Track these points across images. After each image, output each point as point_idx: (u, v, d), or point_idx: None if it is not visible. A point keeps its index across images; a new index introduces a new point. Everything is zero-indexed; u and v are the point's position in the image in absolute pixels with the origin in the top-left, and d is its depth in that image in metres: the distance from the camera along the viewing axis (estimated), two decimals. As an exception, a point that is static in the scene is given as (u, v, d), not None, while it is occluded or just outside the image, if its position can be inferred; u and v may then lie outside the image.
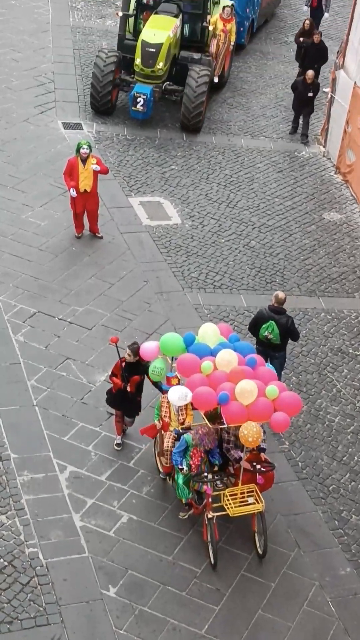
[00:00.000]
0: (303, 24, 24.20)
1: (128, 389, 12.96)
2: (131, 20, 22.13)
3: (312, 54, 23.29)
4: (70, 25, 26.05)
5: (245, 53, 26.27)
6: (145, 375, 13.02)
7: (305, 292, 17.28)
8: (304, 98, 21.79)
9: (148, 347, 12.88)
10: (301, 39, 23.91)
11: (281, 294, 14.14)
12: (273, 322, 13.98)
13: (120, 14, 21.98)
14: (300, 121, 22.29)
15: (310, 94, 21.72)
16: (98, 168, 16.95)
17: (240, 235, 18.60)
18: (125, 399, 13.15)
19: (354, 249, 18.75)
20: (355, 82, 20.42)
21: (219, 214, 19.15)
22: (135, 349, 12.90)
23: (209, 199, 19.57)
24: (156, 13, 21.67)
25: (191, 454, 11.96)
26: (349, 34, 21.65)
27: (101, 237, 17.66)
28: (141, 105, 20.84)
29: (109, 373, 13.32)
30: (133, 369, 12.94)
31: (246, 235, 18.61)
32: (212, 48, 22.29)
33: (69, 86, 22.81)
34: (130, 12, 22.10)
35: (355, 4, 21.48)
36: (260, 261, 17.92)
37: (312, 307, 16.90)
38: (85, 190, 17.00)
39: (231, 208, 19.41)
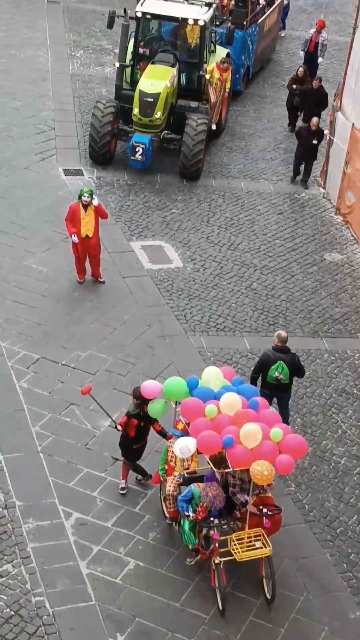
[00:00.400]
0: (297, 72, 24.34)
1: (118, 428, 13.00)
2: (128, 70, 22.26)
3: (312, 99, 23.46)
4: (70, 73, 26.35)
5: (243, 97, 26.52)
6: (150, 425, 13.00)
7: (308, 333, 17.28)
8: (309, 145, 21.69)
9: (150, 386, 12.87)
10: (294, 86, 24.02)
11: (283, 333, 14.18)
12: (281, 361, 14.00)
13: (117, 64, 22.04)
14: (301, 167, 22.22)
15: (314, 141, 21.61)
16: (97, 203, 17.14)
17: (242, 277, 18.65)
18: (126, 441, 13.18)
19: (356, 289, 18.78)
20: (353, 124, 20.60)
21: (220, 256, 19.22)
22: (136, 393, 12.91)
23: (210, 242, 19.66)
24: (153, 63, 21.77)
25: (198, 509, 11.90)
26: (345, 76, 21.89)
27: (103, 282, 17.72)
28: (140, 155, 20.93)
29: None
30: (139, 415, 12.94)
31: (248, 277, 18.66)
32: (212, 98, 22.31)
33: (70, 133, 23.01)
34: (127, 62, 22.20)
35: (351, 47, 21.75)
36: (263, 303, 17.95)
37: (316, 348, 16.89)
38: (87, 235, 17.09)
39: (232, 250, 19.48)
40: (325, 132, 22.33)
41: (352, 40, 21.74)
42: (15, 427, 14.30)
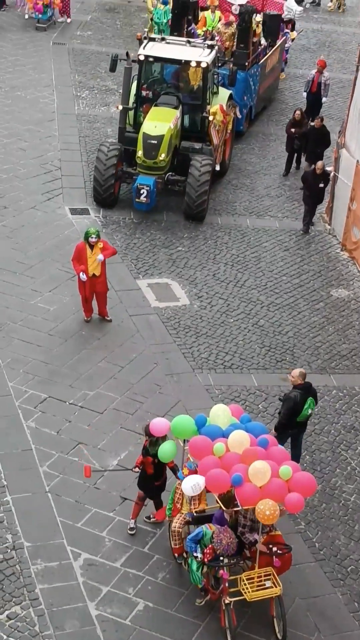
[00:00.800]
0: (294, 115, 24.22)
1: (135, 470, 13.07)
2: (131, 113, 22.30)
3: (314, 138, 23.51)
4: (76, 114, 26.56)
5: (248, 135, 26.69)
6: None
7: (316, 370, 17.24)
8: (315, 190, 21.58)
9: (158, 423, 12.84)
10: (292, 130, 23.96)
11: (302, 370, 14.26)
12: (311, 397, 14.12)
13: (120, 107, 22.04)
14: (308, 210, 22.00)
15: (321, 185, 21.53)
16: (102, 258, 17.11)
17: (249, 314, 18.66)
18: (146, 480, 13.17)
19: (363, 325, 18.80)
20: (357, 161, 20.68)
21: (227, 293, 19.24)
22: (149, 431, 12.90)
23: (216, 279, 19.69)
24: (156, 105, 21.81)
25: (206, 551, 11.81)
26: (349, 114, 22.02)
27: (110, 320, 17.73)
28: (145, 197, 20.94)
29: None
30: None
31: (255, 314, 18.67)
32: (215, 140, 22.31)
33: (76, 172, 23.15)
34: (130, 105, 22.21)
35: (354, 84, 21.91)
36: (270, 340, 17.94)
37: (324, 384, 16.84)
38: (94, 274, 17.14)
39: (239, 287, 19.50)
40: (330, 168, 22.43)
41: (356, 77, 21.90)
42: (23, 467, 14.25)
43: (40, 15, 32.23)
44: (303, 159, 24.35)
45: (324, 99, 26.94)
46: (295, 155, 24.57)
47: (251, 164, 25.07)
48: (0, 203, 21.45)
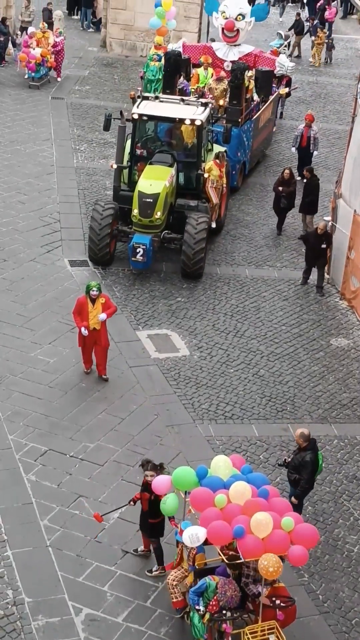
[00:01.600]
0: (282, 174, 23.90)
1: (131, 503, 13.24)
2: (125, 171, 22.29)
3: (307, 191, 23.63)
4: (75, 167, 26.80)
5: (245, 186, 26.89)
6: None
7: (317, 420, 17.19)
8: (318, 250, 21.23)
9: (161, 481, 12.77)
10: (280, 189, 23.72)
11: (306, 431, 14.09)
12: (319, 452, 14.23)
13: (115, 166, 22.04)
14: (309, 268, 21.78)
15: (323, 246, 21.14)
16: (104, 318, 17.11)
17: (249, 364, 18.65)
18: (141, 516, 13.29)
19: (363, 373, 18.78)
20: (355, 211, 20.82)
21: (226, 344, 19.25)
22: (148, 464, 13.04)
23: (216, 330, 19.72)
24: (151, 163, 21.75)
25: (211, 603, 11.69)
26: (345, 164, 22.22)
27: (107, 380, 17.64)
28: (141, 256, 20.70)
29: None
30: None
31: (255, 364, 18.66)
32: (214, 199, 22.28)
33: (75, 225, 23.30)
34: (125, 164, 22.21)
35: (350, 135, 22.16)
36: (270, 390, 17.91)
37: (325, 434, 16.78)
38: (94, 328, 17.13)
39: (239, 337, 19.52)
40: (328, 218, 22.58)
41: (352, 128, 22.17)
42: (24, 521, 14.14)
43: (33, 74, 32.41)
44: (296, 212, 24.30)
45: (314, 153, 27.01)
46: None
47: (249, 214, 25.23)
48: (0, 256, 21.56)
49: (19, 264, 21.32)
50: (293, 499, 14.04)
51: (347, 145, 22.73)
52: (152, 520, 13.19)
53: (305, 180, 23.93)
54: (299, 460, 14.03)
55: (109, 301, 17.44)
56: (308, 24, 41.98)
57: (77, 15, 42.69)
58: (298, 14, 42.28)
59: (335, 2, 46.11)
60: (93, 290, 17.05)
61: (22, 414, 16.43)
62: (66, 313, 19.30)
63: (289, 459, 14.22)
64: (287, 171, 23.73)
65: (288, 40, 35.16)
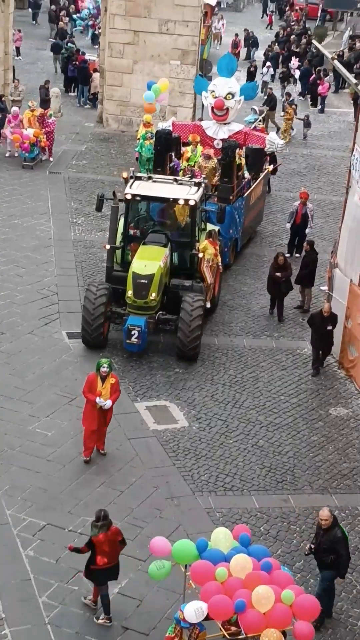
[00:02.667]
0: (277, 260, 23.27)
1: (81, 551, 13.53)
2: (119, 252, 22.10)
3: (305, 263, 23.82)
4: (72, 240, 27.01)
5: (242, 257, 27.08)
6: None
7: (317, 490, 17.06)
8: (324, 332, 20.86)
9: (159, 542, 12.63)
10: (278, 274, 23.15)
11: (327, 510, 13.79)
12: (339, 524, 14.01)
13: (108, 246, 21.74)
14: (317, 354, 21.32)
15: (329, 327, 20.78)
16: (109, 405, 16.80)
17: (248, 435, 18.57)
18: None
19: (363, 443, 18.69)
20: (351, 280, 20.95)
21: (225, 414, 19.19)
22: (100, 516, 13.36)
23: (215, 400, 19.66)
24: (144, 244, 21.57)
25: None
26: (340, 234, 22.41)
27: (104, 454, 17.45)
28: (136, 338, 20.35)
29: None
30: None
31: (254, 435, 18.57)
32: (209, 279, 22.09)
33: (72, 297, 23.38)
34: (118, 244, 22.03)
35: (345, 206, 22.42)
36: (270, 460, 17.80)
37: (325, 505, 16.53)
38: (101, 407, 16.86)
39: (237, 408, 19.46)
40: (325, 288, 22.69)
41: (346, 199, 22.42)
42: (22, 597, 13.93)
43: (27, 154, 32.45)
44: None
45: (307, 230, 26.81)
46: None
47: (246, 284, 25.36)
48: (-3, 329, 21.64)
49: (17, 337, 21.34)
50: (338, 579, 13.86)
51: (341, 216, 22.97)
52: (93, 567, 13.41)
53: (304, 253, 24.06)
54: (331, 540, 13.66)
55: (117, 384, 17.08)
56: (302, 98, 42.64)
57: (73, 92, 43.38)
58: (270, 89, 43.06)
59: (328, 76, 46.94)
60: (103, 367, 16.77)
61: (20, 488, 16.29)
62: (64, 385, 19.27)
63: (314, 544, 13.84)
64: (281, 257, 23.21)
65: (263, 115, 35.28)
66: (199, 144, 27.58)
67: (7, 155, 33.23)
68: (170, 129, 28.17)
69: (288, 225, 27.27)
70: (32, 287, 23.83)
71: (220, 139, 28.00)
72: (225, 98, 27.94)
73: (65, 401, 18.80)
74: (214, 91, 28.19)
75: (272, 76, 47.73)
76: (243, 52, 54.61)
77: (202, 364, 20.96)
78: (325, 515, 13.64)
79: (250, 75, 46.57)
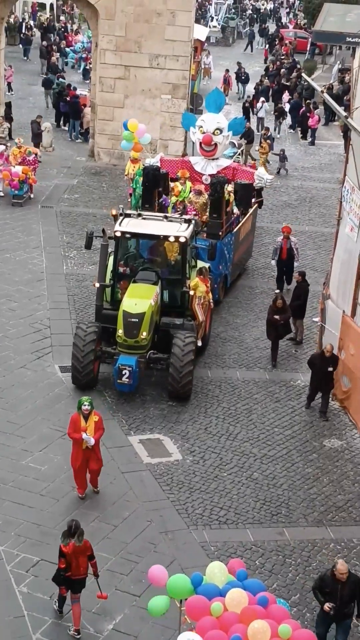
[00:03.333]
0: (275, 303, 22.56)
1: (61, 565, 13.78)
2: (108, 290, 21.71)
3: (297, 294, 23.87)
4: (64, 273, 27.02)
5: (234, 289, 27.11)
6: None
7: (312, 523, 16.97)
8: (324, 373, 20.44)
9: (157, 571, 12.54)
10: (276, 317, 22.45)
11: (342, 563, 13.48)
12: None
13: (97, 284, 21.43)
14: (314, 393, 20.98)
15: (330, 369, 20.36)
16: (92, 442, 16.60)
17: (242, 467, 18.49)
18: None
19: (358, 475, 18.59)
20: (343, 311, 20.98)
21: (219, 447, 19.12)
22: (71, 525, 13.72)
23: (208, 433, 19.60)
24: (134, 281, 21.27)
25: None
26: (332, 265, 22.48)
27: (97, 492, 17.24)
28: (127, 378, 19.96)
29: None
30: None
31: (248, 467, 18.50)
32: (201, 317, 21.81)
33: (65, 331, 23.35)
34: (107, 282, 21.63)
35: (336, 237, 22.50)
36: (264, 493, 17.72)
37: (321, 537, 16.54)
38: (87, 447, 16.74)
39: (231, 440, 19.40)
40: (317, 319, 22.71)
41: (337, 231, 22.50)
42: (15, 635, 13.77)
43: (16, 192, 32.22)
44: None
45: (296, 263, 26.53)
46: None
47: (239, 316, 25.37)
48: (-10, 363, 21.58)
49: (9, 371, 21.28)
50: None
51: (333, 247, 23.04)
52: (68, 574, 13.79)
53: (295, 284, 24.09)
54: (351, 589, 13.44)
55: (101, 422, 16.89)
56: (292, 131, 42.74)
57: (65, 126, 43.63)
58: (248, 122, 42.50)
59: (318, 109, 47.30)
60: (85, 405, 16.63)
61: (13, 524, 16.17)
62: (57, 419, 19.19)
63: (334, 603, 13.41)
64: (279, 300, 22.50)
65: (241, 149, 35.31)
66: (187, 180, 27.43)
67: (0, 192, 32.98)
68: (159, 164, 28.11)
69: (273, 262, 26.92)
70: (24, 320, 23.81)
71: (209, 174, 27.85)
72: (213, 133, 27.69)
73: (58, 435, 18.71)
74: (202, 127, 27.94)
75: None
76: (234, 87, 55.05)
77: (195, 397, 20.91)
78: (344, 569, 13.32)
79: (245, 111, 46.44)
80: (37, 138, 37.49)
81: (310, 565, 15.81)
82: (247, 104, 47.38)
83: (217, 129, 27.82)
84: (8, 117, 39.14)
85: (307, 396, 21.07)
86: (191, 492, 17.56)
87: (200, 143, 28.03)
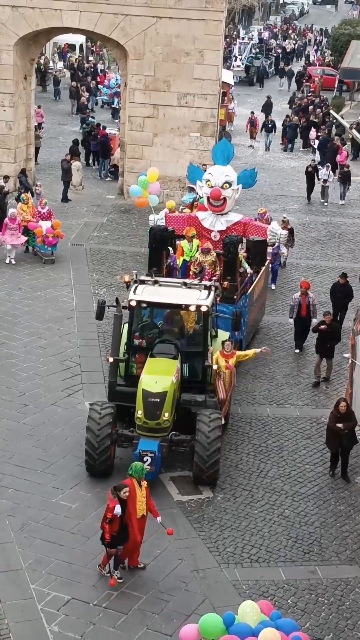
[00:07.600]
0: (337, 407, 19.43)
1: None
2: (122, 364, 19.86)
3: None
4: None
5: (262, 324, 27.03)
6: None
7: (345, 561, 16.80)
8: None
9: (188, 631, 12.43)
10: (340, 425, 19.33)
11: None
12: None
13: (111, 359, 19.55)
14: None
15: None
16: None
17: (274, 505, 18.37)
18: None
19: (391, 512, 18.43)
20: (374, 347, 20.87)
21: (250, 484, 19.01)
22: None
23: (239, 470, 19.51)
24: (152, 355, 19.34)
25: None
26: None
27: (143, 568, 16.15)
28: (149, 465, 17.87)
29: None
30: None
31: (280, 505, 18.37)
32: (222, 394, 20.03)
33: (95, 368, 23.41)
34: (121, 356, 19.85)
35: None
36: (296, 531, 17.58)
37: (354, 576, 16.36)
38: (142, 515, 15.76)
39: (262, 477, 19.29)
40: (348, 355, 22.60)
41: (367, 266, 22.43)
42: (46, 674, 13.72)
43: (49, 249, 30.77)
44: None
45: (314, 320, 24.94)
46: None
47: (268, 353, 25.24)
48: (20, 401, 21.60)
49: (40, 409, 21.34)
50: None
51: (361, 282, 22.98)
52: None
53: (324, 326, 23.28)
54: None
55: (148, 495, 15.89)
56: (323, 170, 41.61)
57: (94, 165, 44.04)
58: (311, 190, 40.98)
59: (346, 145, 47.37)
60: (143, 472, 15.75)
61: (44, 562, 16.13)
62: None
63: None
64: (342, 404, 19.36)
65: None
66: (194, 238, 25.21)
67: (6, 261, 30.41)
68: (164, 222, 26.07)
69: (291, 321, 25.53)
70: (55, 358, 23.90)
71: (218, 231, 25.41)
72: (222, 187, 25.03)
73: (88, 473, 18.68)
74: (209, 180, 25.31)
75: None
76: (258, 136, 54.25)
77: (225, 433, 20.81)
78: None
79: (310, 177, 41.39)
80: (66, 175, 37.84)
81: (343, 604, 15.62)
82: (310, 169, 41.66)
83: (226, 182, 25.07)
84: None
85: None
86: (222, 529, 17.46)
87: (208, 198, 25.32)
